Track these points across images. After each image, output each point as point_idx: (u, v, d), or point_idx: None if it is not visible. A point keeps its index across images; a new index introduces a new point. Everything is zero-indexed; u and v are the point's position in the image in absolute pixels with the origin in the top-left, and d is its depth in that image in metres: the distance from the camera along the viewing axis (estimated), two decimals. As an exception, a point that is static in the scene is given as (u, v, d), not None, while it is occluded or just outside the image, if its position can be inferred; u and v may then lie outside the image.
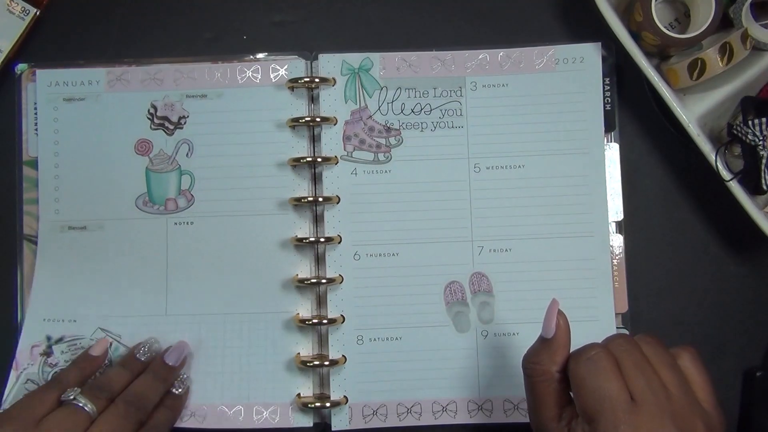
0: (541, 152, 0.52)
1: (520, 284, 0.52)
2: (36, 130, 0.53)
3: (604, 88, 0.53)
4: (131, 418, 0.46)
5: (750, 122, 0.47)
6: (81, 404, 0.45)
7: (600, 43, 0.53)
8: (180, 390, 0.51)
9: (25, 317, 0.52)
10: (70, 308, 0.52)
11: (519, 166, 0.52)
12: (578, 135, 0.52)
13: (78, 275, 0.52)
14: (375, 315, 0.52)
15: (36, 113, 0.53)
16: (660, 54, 0.51)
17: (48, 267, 0.52)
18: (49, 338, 0.52)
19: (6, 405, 0.51)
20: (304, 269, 0.52)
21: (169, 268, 0.52)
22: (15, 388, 0.51)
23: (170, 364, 0.50)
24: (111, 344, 0.52)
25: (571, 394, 0.39)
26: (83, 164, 0.53)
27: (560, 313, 0.40)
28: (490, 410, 0.51)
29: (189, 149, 0.53)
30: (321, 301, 0.52)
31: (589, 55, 0.53)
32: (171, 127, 0.53)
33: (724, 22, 0.49)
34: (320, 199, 0.52)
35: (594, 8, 0.49)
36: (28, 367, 0.52)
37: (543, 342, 0.40)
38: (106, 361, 0.51)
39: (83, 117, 0.53)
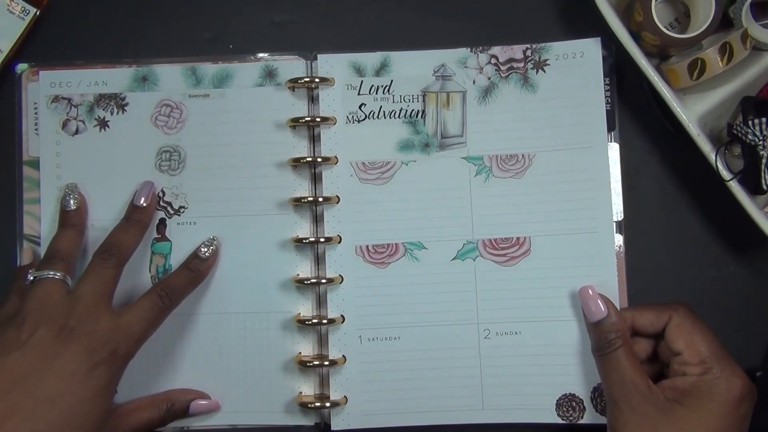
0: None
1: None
2: (36, 130, 0.53)
3: (604, 83, 0.52)
4: (109, 264, 0.46)
5: (750, 122, 0.47)
6: (48, 275, 0.45)
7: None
8: (207, 253, 0.50)
9: None
10: None
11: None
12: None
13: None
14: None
15: (36, 113, 0.53)
16: (660, 54, 0.51)
17: None
18: None
19: None
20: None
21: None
22: None
23: (140, 204, 0.50)
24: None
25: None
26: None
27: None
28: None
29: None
30: (321, 301, 0.52)
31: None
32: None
33: (724, 22, 0.49)
34: (320, 199, 0.52)
35: (594, 8, 0.49)
36: None
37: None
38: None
39: None
